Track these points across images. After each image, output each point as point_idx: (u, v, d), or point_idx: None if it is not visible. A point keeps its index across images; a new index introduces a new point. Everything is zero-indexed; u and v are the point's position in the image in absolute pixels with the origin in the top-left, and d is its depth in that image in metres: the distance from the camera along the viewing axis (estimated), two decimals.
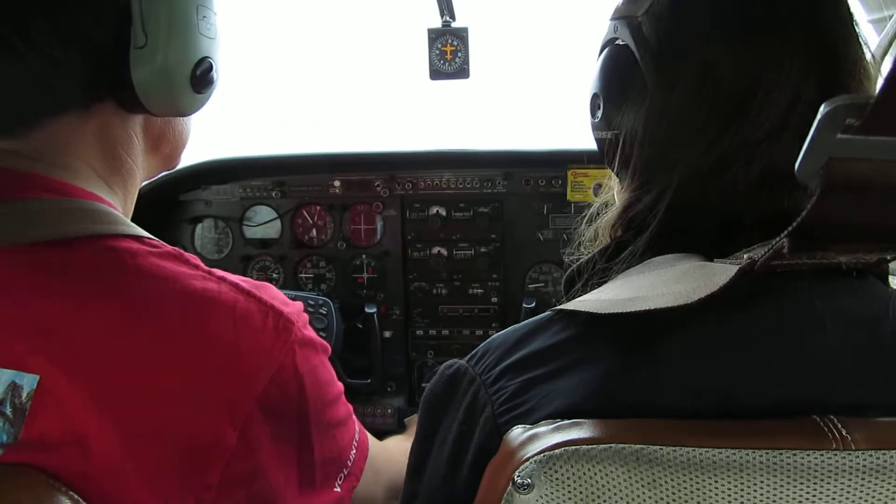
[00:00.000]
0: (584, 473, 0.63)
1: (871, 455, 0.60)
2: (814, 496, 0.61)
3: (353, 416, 1.05)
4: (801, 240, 0.54)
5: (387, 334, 2.18)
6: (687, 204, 0.78)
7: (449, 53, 1.76)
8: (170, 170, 1.12)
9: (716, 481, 0.61)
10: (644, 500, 0.63)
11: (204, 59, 0.92)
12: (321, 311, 1.96)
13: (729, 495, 0.61)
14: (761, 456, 0.61)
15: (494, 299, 2.15)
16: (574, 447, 0.63)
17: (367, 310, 2.10)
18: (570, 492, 0.64)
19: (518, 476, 0.64)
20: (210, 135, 2.02)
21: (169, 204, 2.21)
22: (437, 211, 2.12)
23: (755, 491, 0.61)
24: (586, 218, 0.97)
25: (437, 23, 1.77)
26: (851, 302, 0.70)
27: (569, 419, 0.66)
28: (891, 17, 1.44)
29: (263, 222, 2.20)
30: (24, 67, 0.81)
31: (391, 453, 1.22)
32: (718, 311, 0.67)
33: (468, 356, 0.82)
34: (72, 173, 0.88)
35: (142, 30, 0.85)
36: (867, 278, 0.72)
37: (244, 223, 2.21)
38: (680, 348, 0.69)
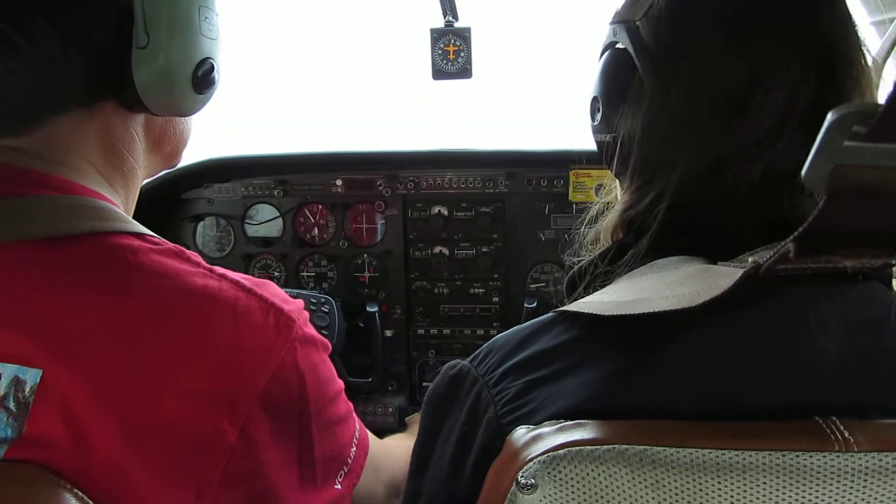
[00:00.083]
0: (588, 474, 0.64)
1: (873, 457, 0.61)
2: (816, 497, 0.61)
3: (354, 414, 1.05)
4: (807, 244, 0.55)
5: (388, 333, 2.19)
6: (687, 205, 0.78)
7: (451, 53, 1.77)
8: (171, 168, 1.13)
9: (719, 482, 0.62)
10: (647, 501, 0.63)
11: (205, 59, 0.92)
12: (323, 309, 1.96)
13: (732, 496, 0.62)
14: (764, 457, 0.61)
15: (496, 299, 2.15)
16: (578, 448, 0.63)
17: (368, 309, 2.11)
18: (573, 492, 0.64)
19: (522, 476, 0.64)
20: (212, 133, 2.02)
21: (171, 202, 2.21)
22: (439, 210, 2.12)
23: (758, 492, 0.61)
24: (587, 220, 0.97)
25: (439, 23, 1.77)
26: (855, 305, 0.71)
27: (572, 420, 0.67)
28: (893, 19, 1.44)
29: (265, 221, 2.20)
30: (26, 66, 0.81)
31: (391, 451, 1.22)
32: (722, 313, 0.67)
33: (471, 357, 0.82)
34: (73, 171, 0.88)
35: (144, 30, 0.86)
36: (871, 282, 0.72)
37: (246, 221, 2.21)
38: (683, 350, 0.70)
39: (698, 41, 0.78)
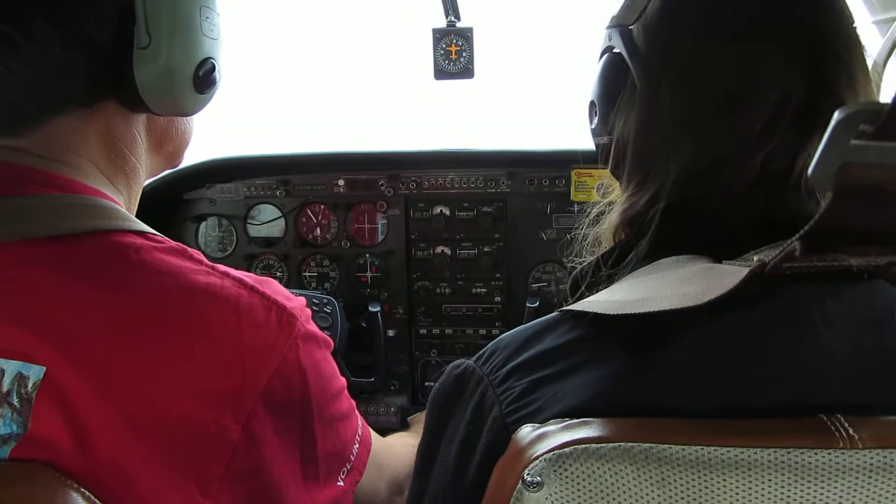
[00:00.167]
0: (594, 472, 0.64)
1: (877, 454, 0.61)
2: (821, 494, 0.61)
3: (356, 412, 1.05)
4: (813, 242, 0.55)
5: (390, 333, 2.19)
6: (685, 204, 0.79)
7: (454, 53, 1.76)
8: (173, 168, 1.13)
9: (724, 480, 0.62)
10: (653, 499, 0.63)
11: (206, 59, 0.93)
12: (326, 309, 1.96)
13: (737, 494, 0.62)
14: (769, 455, 0.61)
15: (498, 299, 2.15)
16: (583, 446, 0.64)
17: (370, 309, 2.11)
18: (579, 490, 0.64)
19: (528, 474, 0.64)
20: (215, 134, 2.02)
21: (173, 202, 2.21)
22: (441, 210, 2.12)
23: (763, 489, 0.61)
24: (587, 222, 0.98)
25: (441, 23, 1.77)
26: (859, 304, 0.71)
27: (577, 419, 0.67)
28: (894, 19, 1.44)
29: (267, 221, 2.20)
30: (27, 66, 0.82)
31: (394, 449, 1.23)
32: (727, 312, 0.67)
33: (476, 356, 0.82)
34: (75, 170, 0.88)
35: (145, 30, 0.86)
36: (876, 281, 0.72)
37: (248, 222, 2.21)
38: (688, 349, 0.70)
39: (687, 41, 0.79)
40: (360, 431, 1.05)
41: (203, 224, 2.24)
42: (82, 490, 0.72)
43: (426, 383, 2.23)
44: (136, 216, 0.93)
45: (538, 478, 0.64)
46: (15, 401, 0.73)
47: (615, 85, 0.87)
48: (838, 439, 0.61)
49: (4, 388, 0.72)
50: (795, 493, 0.61)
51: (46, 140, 0.87)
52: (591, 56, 0.97)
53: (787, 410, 0.65)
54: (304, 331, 0.89)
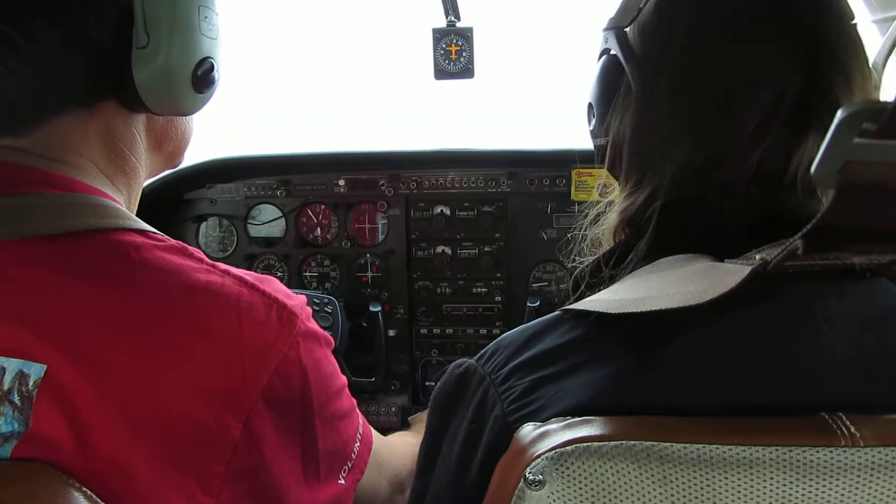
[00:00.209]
0: (596, 470, 0.64)
1: (879, 452, 0.61)
2: (823, 493, 0.61)
3: (357, 410, 1.05)
4: (816, 241, 0.55)
5: (391, 333, 2.19)
6: (682, 204, 0.79)
7: (454, 53, 1.77)
8: (173, 168, 1.13)
9: (726, 478, 0.62)
10: (655, 497, 0.63)
11: (205, 59, 0.93)
12: (326, 309, 1.96)
13: (739, 492, 0.62)
14: (771, 453, 0.61)
15: (498, 298, 2.15)
16: (585, 444, 0.64)
17: (371, 308, 2.11)
18: (581, 488, 0.64)
19: (529, 473, 0.64)
20: (215, 134, 2.02)
21: (174, 202, 2.21)
22: (442, 210, 2.12)
23: (765, 487, 0.62)
24: (586, 223, 0.98)
25: (441, 22, 1.77)
26: (861, 302, 0.71)
27: (579, 417, 0.67)
28: (894, 18, 1.44)
29: (268, 221, 2.20)
30: (26, 66, 0.82)
31: (395, 447, 1.23)
32: (729, 310, 0.67)
33: (477, 355, 0.82)
34: (75, 169, 0.89)
35: (144, 30, 0.86)
36: (878, 279, 0.72)
37: (249, 222, 2.21)
38: (690, 347, 0.70)
39: (680, 42, 0.80)
40: (361, 430, 1.05)
41: (203, 224, 2.24)
42: (83, 489, 0.72)
43: (427, 383, 2.23)
44: (137, 216, 0.93)
45: (540, 476, 0.64)
46: (16, 399, 0.73)
47: (611, 86, 0.88)
48: (840, 437, 0.61)
49: (5, 387, 0.73)
50: (797, 492, 0.61)
51: (46, 140, 0.87)
52: (591, 55, 0.98)
53: (788, 409, 0.65)
54: (305, 329, 0.89)
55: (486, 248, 2.13)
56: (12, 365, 0.73)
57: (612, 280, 0.84)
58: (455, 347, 2.19)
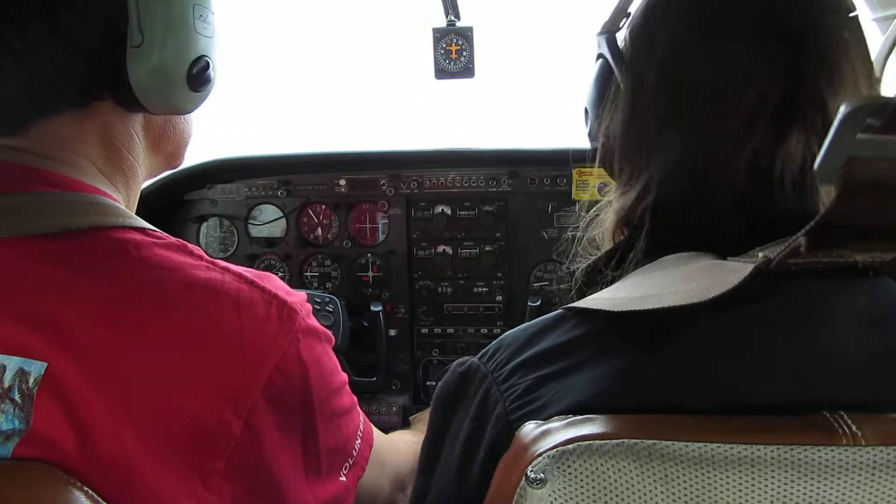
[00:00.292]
0: (597, 468, 0.64)
1: (881, 451, 0.61)
2: (824, 491, 0.61)
3: (358, 407, 1.05)
4: (819, 238, 0.55)
5: (392, 332, 2.19)
6: (675, 202, 0.79)
7: (454, 52, 1.76)
8: (174, 168, 1.13)
9: (727, 476, 0.62)
10: (656, 495, 0.63)
11: (200, 57, 0.92)
12: (328, 308, 1.96)
13: (740, 490, 0.62)
14: (772, 451, 0.61)
15: (499, 298, 2.15)
16: (587, 442, 0.64)
17: (372, 308, 2.11)
18: (582, 487, 0.64)
19: (531, 471, 0.65)
20: (215, 134, 2.03)
21: (174, 203, 2.21)
22: (442, 209, 2.12)
23: (766, 486, 0.62)
24: (582, 225, 0.99)
25: (441, 22, 1.77)
26: (864, 300, 0.71)
27: (581, 415, 0.67)
28: (895, 16, 1.44)
29: (269, 221, 2.20)
30: (22, 68, 0.82)
31: (396, 446, 1.23)
32: (732, 308, 0.67)
33: (480, 353, 0.83)
34: (74, 168, 0.89)
35: (138, 29, 0.86)
36: (881, 278, 0.72)
37: (249, 222, 2.21)
38: (692, 345, 0.70)
39: (665, 42, 0.81)
40: (361, 427, 1.05)
41: (204, 224, 2.24)
42: (85, 489, 0.72)
43: (428, 383, 2.23)
44: (138, 216, 0.94)
45: (542, 474, 0.64)
46: (17, 397, 0.73)
47: (603, 88, 0.90)
48: (842, 436, 0.61)
49: (6, 384, 0.73)
50: (798, 490, 0.61)
51: (44, 139, 0.88)
52: (590, 55, 0.98)
53: (791, 407, 0.65)
54: (305, 325, 0.89)
55: (487, 248, 2.13)
56: (13, 363, 0.74)
57: (613, 279, 0.84)
58: (456, 347, 2.19)
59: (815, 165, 0.50)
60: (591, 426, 0.65)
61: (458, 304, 2.17)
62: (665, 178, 0.79)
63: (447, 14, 1.76)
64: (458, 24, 1.76)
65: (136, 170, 0.98)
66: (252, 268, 0.92)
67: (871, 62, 0.80)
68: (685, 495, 0.63)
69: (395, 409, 2.21)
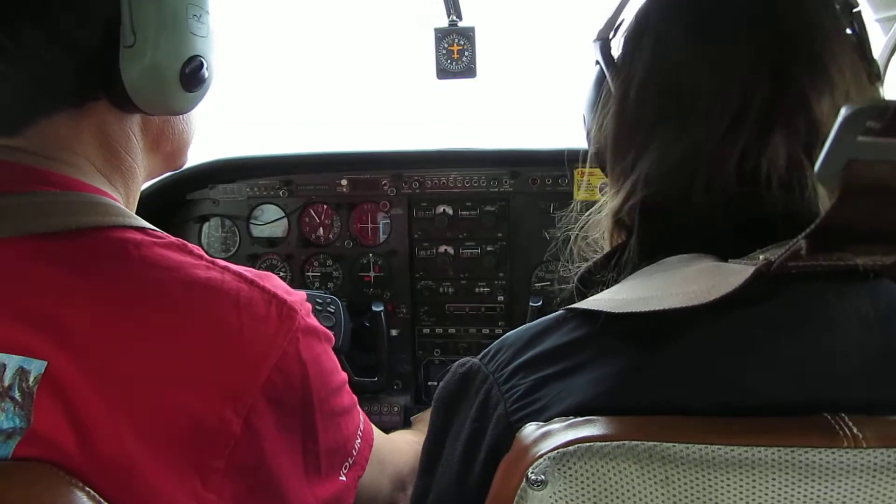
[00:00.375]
0: (598, 470, 0.64)
1: (882, 453, 0.61)
2: (825, 494, 0.61)
3: (358, 407, 1.05)
4: (819, 241, 0.55)
5: (394, 333, 2.19)
6: (666, 203, 0.79)
7: (456, 53, 1.76)
8: (176, 169, 1.13)
9: (728, 478, 0.62)
10: (657, 497, 0.63)
11: (194, 57, 0.92)
12: (329, 308, 1.96)
13: (741, 492, 0.62)
14: (773, 453, 0.61)
15: (501, 298, 2.15)
16: (587, 444, 0.64)
17: (374, 308, 2.11)
18: (583, 488, 0.64)
19: (532, 473, 0.65)
20: (217, 134, 2.03)
21: (176, 203, 2.21)
22: (444, 210, 2.12)
23: (767, 488, 0.61)
24: (577, 227, 1.00)
25: (443, 22, 1.77)
26: (864, 302, 0.71)
27: (582, 416, 0.67)
28: None
29: (270, 221, 2.21)
30: (14, 68, 0.83)
31: (397, 445, 1.23)
32: (732, 310, 0.67)
33: (481, 354, 0.83)
34: (72, 168, 0.89)
35: (130, 29, 0.86)
36: (881, 280, 0.72)
37: (251, 222, 2.21)
38: (693, 347, 0.70)
39: (652, 43, 0.82)
40: (361, 427, 1.05)
41: (206, 224, 2.24)
42: (87, 489, 0.72)
43: (429, 383, 2.23)
44: (140, 216, 0.94)
45: (542, 476, 0.64)
46: (17, 395, 0.73)
47: (598, 93, 0.92)
48: (843, 438, 0.61)
49: (6, 383, 0.73)
50: (799, 493, 0.61)
51: (41, 139, 0.88)
52: (591, 56, 0.99)
53: (791, 409, 0.65)
54: (305, 324, 0.89)
55: (489, 248, 2.13)
56: (13, 361, 0.74)
57: (614, 280, 0.84)
58: (458, 347, 2.19)
59: (816, 168, 0.50)
60: (591, 428, 0.65)
61: (459, 304, 2.17)
62: (650, 179, 0.80)
63: (449, 14, 1.76)
64: (460, 24, 1.76)
65: (135, 170, 0.98)
66: (254, 268, 0.92)
67: (869, 63, 0.79)
68: (686, 497, 0.63)
69: (396, 409, 2.21)
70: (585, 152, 1.01)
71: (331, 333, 0.97)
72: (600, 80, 0.91)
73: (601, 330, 0.74)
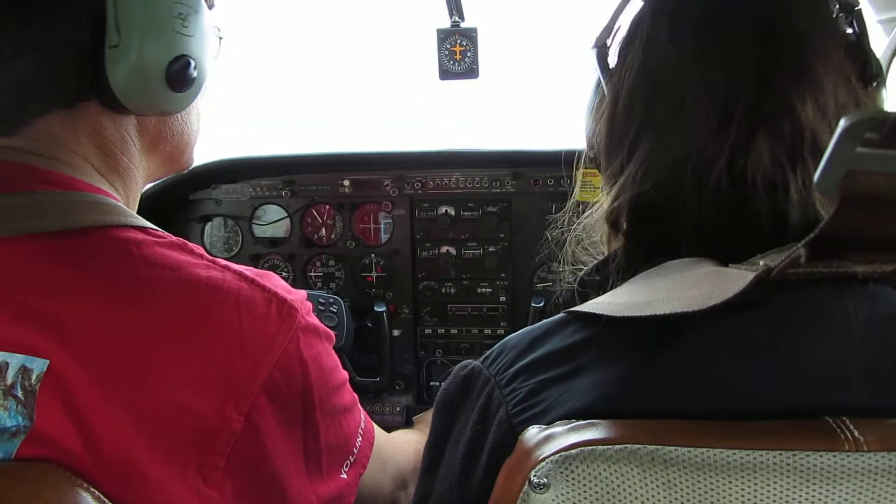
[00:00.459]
0: (600, 473, 0.64)
1: (883, 456, 0.61)
2: (827, 497, 0.61)
3: (359, 405, 1.06)
4: (819, 249, 0.55)
5: (396, 333, 2.19)
6: (656, 207, 0.80)
7: (458, 54, 1.76)
8: (181, 171, 1.13)
9: (730, 482, 0.62)
10: (659, 500, 0.63)
11: (180, 56, 0.91)
12: (332, 309, 1.97)
13: (743, 496, 0.62)
14: (775, 457, 0.61)
15: (503, 298, 2.15)
16: (590, 447, 0.64)
17: (376, 308, 2.11)
18: (585, 492, 0.65)
19: (534, 476, 0.65)
20: (220, 134, 2.03)
21: (179, 203, 2.22)
22: (446, 210, 2.13)
23: (769, 491, 0.62)
24: (575, 227, 1.01)
25: (446, 23, 1.77)
26: (864, 306, 0.71)
27: (584, 420, 0.67)
28: None
29: (273, 221, 2.21)
30: (6, 70, 0.83)
31: (398, 444, 1.23)
32: (733, 314, 0.67)
33: (483, 357, 0.83)
34: (72, 168, 0.90)
35: (115, 29, 0.86)
36: (881, 285, 0.72)
37: (254, 222, 2.21)
38: (694, 351, 0.70)
39: (640, 50, 0.82)
40: (362, 425, 1.05)
41: (209, 224, 2.25)
42: (91, 489, 0.73)
43: (431, 383, 2.23)
44: (142, 216, 0.94)
45: (545, 479, 0.65)
46: (19, 393, 0.74)
47: (595, 97, 0.93)
48: (844, 442, 0.61)
49: (9, 381, 0.74)
50: (800, 496, 0.61)
51: (37, 138, 0.89)
52: (591, 61, 1.00)
53: (792, 412, 0.65)
54: (305, 323, 0.89)
55: (491, 249, 2.13)
56: (15, 360, 0.74)
57: (614, 283, 0.84)
58: (459, 347, 2.19)
59: (815, 177, 0.51)
60: (593, 431, 0.65)
61: (461, 304, 2.17)
62: (637, 182, 0.80)
63: (451, 15, 1.76)
64: (463, 25, 1.76)
65: (133, 171, 0.98)
66: (256, 267, 0.93)
67: (865, 64, 0.79)
68: (688, 501, 0.63)
69: (398, 409, 2.21)
70: (574, 154, 1.02)
71: (331, 332, 0.97)
72: (598, 85, 0.92)
73: (602, 333, 0.74)
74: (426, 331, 2.21)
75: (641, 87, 0.82)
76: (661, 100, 0.80)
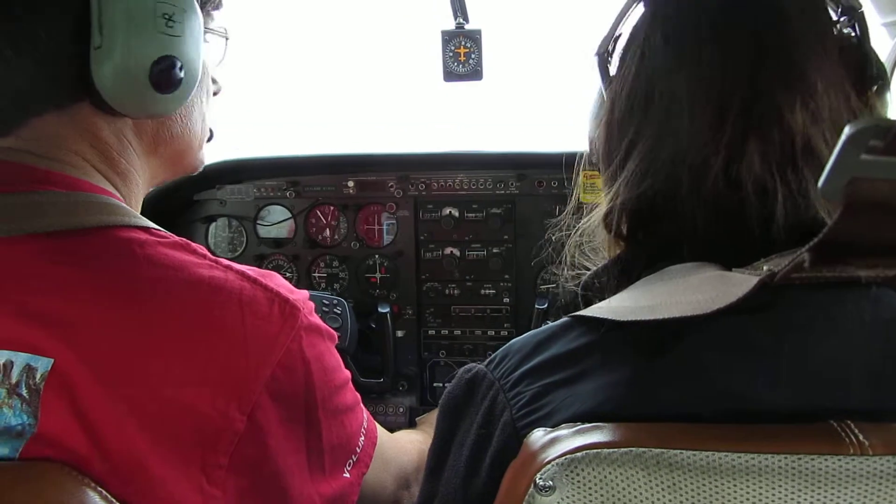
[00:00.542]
0: (606, 476, 0.64)
1: (888, 460, 0.61)
2: (831, 501, 0.62)
3: (361, 405, 1.06)
4: (822, 254, 0.56)
5: (399, 334, 2.19)
6: (653, 210, 0.80)
7: (462, 55, 1.77)
8: (189, 173, 1.12)
9: (735, 485, 0.62)
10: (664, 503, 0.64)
11: (164, 57, 0.90)
12: (336, 310, 1.97)
13: (748, 499, 0.62)
14: (780, 461, 0.62)
15: (506, 300, 2.15)
16: (595, 450, 0.64)
17: (379, 309, 2.11)
18: (591, 494, 0.65)
19: (540, 478, 0.65)
20: (224, 135, 2.03)
21: (183, 203, 2.22)
22: (450, 212, 2.13)
23: (773, 495, 0.62)
24: (576, 230, 1.01)
25: (450, 25, 1.77)
26: (867, 310, 0.71)
27: (589, 423, 0.67)
28: None
29: (277, 222, 2.21)
30: (6, 70, 0.84)
31: (401, 444, 1.24)
32: (737, 318, 0.68)
33: (487, 361, 0.83)
34: (74, 168, 0.90)
35: (98, 30, 0.86)
36: (884, 289, 0.73)
37: (258, 222, 2.22)
38: (699, 354, 0.70)
39: (637, 56, 0.83)
40: (365, 424, 1.05)
41: (213, 225, 2.25)
42: (98, 488, 0.73)
43: (434, 384, 2.24)
44: (146, 217, 0.94)
45: (550, 482, 0.65)
46: (24, 392, 0.74)
47: (594, 104, 0.94)
48: (848, 445, 0.61)
49: (13, 380, 0.74)
50: (805, 500, 0.62)
51: (36, 138, 0.89)
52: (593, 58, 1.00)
53: (796, 416, 0.65)
54: (307, 322, 0.90)
55: (495, 250, 2.13)
56: (20, 359, 0.75)
57: (619, 287, 0.84)
58: (463, 349, 2.19)
59: (820, 184, 0.51)
60: (599, 434, 0.65)
61: (465, 305, 2.17)
62: (632, 185, 0.81)
63: (456, 17, 1.76)
64: (467, 26, 1.76)
65: (132, 174, 0.98)
66: (260, 267, 0.93)
67: (864, 68, 0.80)
68: None
69: (401, 410, 2.21)
70: (574, 156, 1.03)
71: (334, 332, 0.97)
72: (599, 95, 0.93)
73: (606, 337, 0.75)
74: (430, 332, 2.21)
75: (638, 89, 0.82)
76: (657, 99, 0.80)
